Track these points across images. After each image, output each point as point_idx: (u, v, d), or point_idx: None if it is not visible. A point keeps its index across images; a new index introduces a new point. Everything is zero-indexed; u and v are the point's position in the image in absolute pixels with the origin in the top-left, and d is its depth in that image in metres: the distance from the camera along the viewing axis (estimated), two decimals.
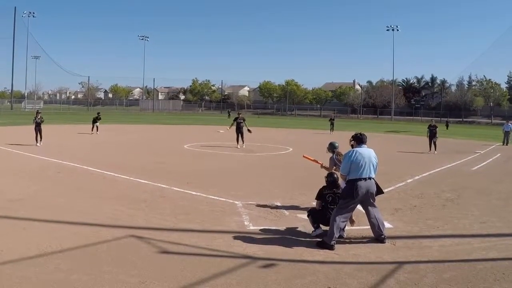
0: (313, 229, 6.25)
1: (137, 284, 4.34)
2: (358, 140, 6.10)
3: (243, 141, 19.18)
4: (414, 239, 6.18)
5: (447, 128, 43.27)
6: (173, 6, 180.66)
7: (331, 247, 5.63)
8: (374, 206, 6.03)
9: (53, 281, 4.33)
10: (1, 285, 4.19)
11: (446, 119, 57.27)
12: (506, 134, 24.95)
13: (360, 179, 5.80)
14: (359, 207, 6.20)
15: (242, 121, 19.36)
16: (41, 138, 17.83)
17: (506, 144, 24.30)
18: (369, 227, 6.14)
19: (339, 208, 5.89)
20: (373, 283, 4.54)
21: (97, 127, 25.63)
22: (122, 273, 4.59)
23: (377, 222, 5.96)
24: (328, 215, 6.12)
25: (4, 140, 19.04)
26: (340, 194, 6.01)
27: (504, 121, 28.21)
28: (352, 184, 5.81)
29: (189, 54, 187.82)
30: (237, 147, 18.67)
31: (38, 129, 17.82)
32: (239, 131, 19.11)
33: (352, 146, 6.31)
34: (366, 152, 5.95)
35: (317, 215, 6.29)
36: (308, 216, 6.42)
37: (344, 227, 6.08)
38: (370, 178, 5.87)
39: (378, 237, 5.98)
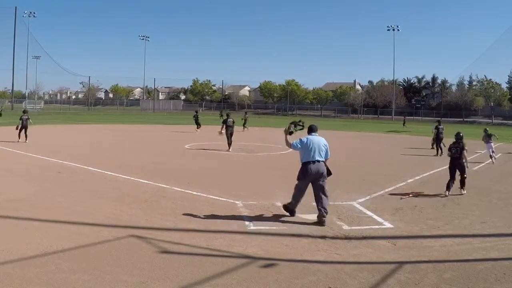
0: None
1: (138, 284, 4.34)
2: (310, 129, 7.27)
3: (231, 143, 17.96)
4: (414, 239, 6.18)
5: (403, 125, 44.65)
6: (174, 7, 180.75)
7: (293, 213, 7.08)
8: (323, 186, 6.94)
9: (54, 281, 4.33)
10: (2, 285, 4.19)
11: (404, 117, 56.46)
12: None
13: (310, 162, 6.87)
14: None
15: (232, 122, 18.36)
16: (26, 136, 18.74)
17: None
18: (369, 226, 6.47)
19: (297, 186, 7.08)
20: (373, 283, 4.53)
21: (199, 124, 26.08)
22: (123, 273, 4.59)
23: (323, 203, 6.80)
24: (454, 166, 9.60)
25: (5, 140, 19.04)
26: (297, 176, 7.10)
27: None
28: (305, 166, 6.93)
29: (190, 54, 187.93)
30: (228, 151, 17.46)
31: (24, 127, 18.79)
32: (230, 132, 18.01)
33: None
34: (316, 139, 7.07)
35: None
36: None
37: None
38: (318, 161, 6.90)
39: (320, 218, 6.75)
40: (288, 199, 8.44)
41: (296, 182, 7.15)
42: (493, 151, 16.92)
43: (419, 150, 20.12)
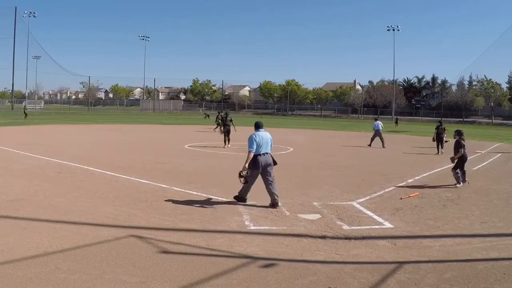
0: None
1: (137, 284, 4.34)
2: (257, 126, 8.12)
3: (229, 141, 19.42)
4: (414, 239, 6.18)
5: (396, 125, 45.26)
6: (174, 6, 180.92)
7: (244, 200, 7.95)
8: (271, 175, 7.84)
9: (53, 281, 4.33)
10: (2, 285, 4.19)
11: (396, 116, 57.62)
12: (376, 133, 21.71)
13: (260, 155, 7.77)
14: None
15: (230, 120, 19.90)
16: None
17: (369, 145, 21.33)
18: (369, 226, 6.55)
19: (250, 175, 7.80)
20: (373, 283, 4.53)
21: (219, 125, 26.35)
22: (123, 273, 4.59)
23: (273, 189, 7.78)
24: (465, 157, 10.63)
25: (5, 139, 19.06)
26: (248, 166, 7.78)
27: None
28: (255, 158, 7.76)
29: (190, 54, 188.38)
30: (224, 147, 18.80)
31: None
32: (226, 130, 19.54)
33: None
34: (264, 134, 7.98)
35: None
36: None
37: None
38: (267, 153, 7.87)
39: (273, 201, 7.76)
40: (287, 199, 8.48)
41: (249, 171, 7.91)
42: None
43: (419, 150, 20.11)
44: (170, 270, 4.73)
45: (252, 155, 7.77)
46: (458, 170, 10.55)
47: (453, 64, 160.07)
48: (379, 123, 21.96)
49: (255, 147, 7.76)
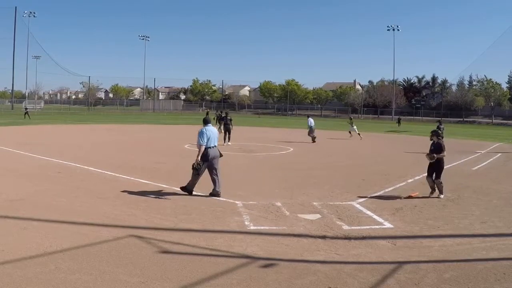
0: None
1: (137, 284, 4.34)
2: (205, 122, 8.82)
3: (229, 139, 20.54)
4: (414, 239, 6.18)
5: (398, 125, 45.53)
6: (174, 6, 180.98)
7: (190, 193, 8.45)
8: (217, 166, 8.59)
9: (53, 281, 4.33)
10: (2, 285, 4.19)
11: (398, 116, 58.00)
12: (311, 129, 22.76)
13: (210, 147, 8.43)
14: None
15: (230, 120, 21.05)
16: None
17: (313, 141, 22.42)
18: (369, 226, 6.57)
19: (202, 167, 8.39)
20: (373, 283, 4.53)
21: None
22: (123, 273, 4.59)
23: (218, 180, 8.50)
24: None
25: (5, 139, 19.05)
26: (200, 159, 8.36)
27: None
28: (206, 151, 8.37)
29: (190, 54, 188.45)
30: (223, 144, 19.22)
31: None
32: (226, 129, 20.79)
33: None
34: (213, 129, 8.68)
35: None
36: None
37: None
38: (215, 146, 8.57)
39: (215, 192, 8.46)
40: (287, 199, 8.49)
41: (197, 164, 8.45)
42: (355, 131, 26.37)
43: (419, 150, 20.09)
44: (170, 270, 4.73)
45: (203, 148, 8.36)
46: (441, 180, 9.20)
47: (453, 64, 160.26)
48: (312, 120, 23.45)
49: (205, 141, 8.38)
